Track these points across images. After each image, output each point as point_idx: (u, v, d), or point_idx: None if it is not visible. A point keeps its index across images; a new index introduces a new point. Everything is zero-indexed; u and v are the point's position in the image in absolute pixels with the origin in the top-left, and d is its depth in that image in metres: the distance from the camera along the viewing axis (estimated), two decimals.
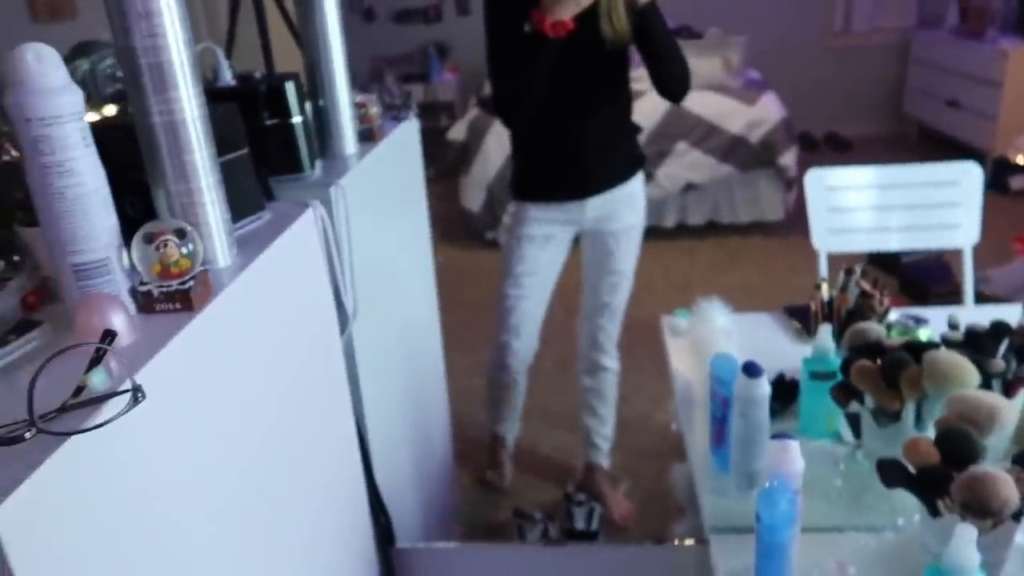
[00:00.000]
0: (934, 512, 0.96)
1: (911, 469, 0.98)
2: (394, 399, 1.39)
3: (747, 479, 1.19)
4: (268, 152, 1.04)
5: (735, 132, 4.07)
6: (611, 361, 2.22)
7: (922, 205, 2.21)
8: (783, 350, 1.62)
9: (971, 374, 1.06)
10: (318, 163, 1.14)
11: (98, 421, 0.51)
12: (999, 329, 1.21)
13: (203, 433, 0.68)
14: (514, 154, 2.03)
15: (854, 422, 1.30)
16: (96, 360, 0.53)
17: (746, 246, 4.13)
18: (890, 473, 0.99)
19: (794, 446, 0.97)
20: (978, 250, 2.16)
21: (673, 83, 1.82)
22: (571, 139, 1.89)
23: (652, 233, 4.17)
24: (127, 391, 0.53)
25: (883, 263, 3.35)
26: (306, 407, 0.94)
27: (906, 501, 1.10)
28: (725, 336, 1.67)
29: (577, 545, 1.37)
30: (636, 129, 2.03)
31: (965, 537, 0.82)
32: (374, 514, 1.17)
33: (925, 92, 5.33)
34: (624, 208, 2.00)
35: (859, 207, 2.22)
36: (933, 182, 2.21)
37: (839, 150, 5.48)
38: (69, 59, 1.11)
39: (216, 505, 0.71)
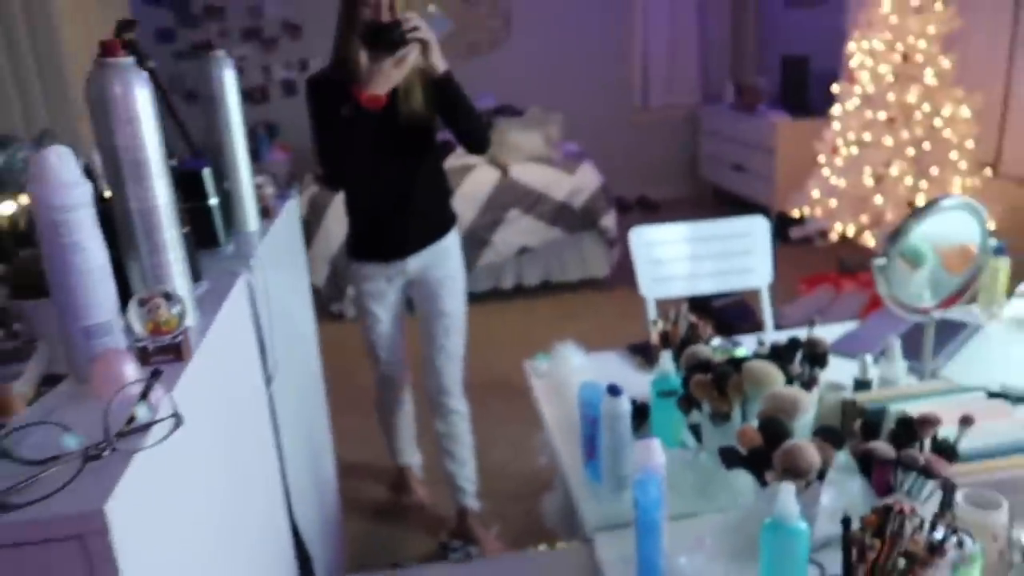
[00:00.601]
0: (763, 483, 1.23)
1: (743, 452, 1.25)
2: (301, 452, 1.50)
3: (618, 482, 1.42)
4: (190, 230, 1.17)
5: (560, 199, 4.49)
6: (458, 403, 2.41)
7: (725, 254, 2.63)
8: (631, 380, 1.87)
9: (777, 376, 1.37)
10: (230, 239, 1.27)
11: (152, 440, 0.65)
12: (794, 343, 1.55)
13: (203, 453, 0.81)
14: (348, 223, 2.29)
15: (695, 431, 1.58)
16: (143, 395, 0.66)
17: (578, 301, 4.51)
18: (729, 457, 1.25)
19: (656, 442, 1.21)
20: (774, 292, 2.59)
21: (474, 139, 2.14)
22: (388, 207, 2.17)
23: (492, 295, 4.50)
24: (170, 417, 0.67)
25: (699, 307, 3.81)
26: (249, 449, 1.06)
27: (742, 485, 1.38)
28: (581, 373, 1.92)
29: (484, 559, 1.52)
30: (447, 192, 2.33)
31: (787, 491, 1.09)
32: (297, 553, 1.28)
33: (715, 158, 6.11)
34: (441, 259, 2.28)
35: (675, 258, 2.59)
36: (731, 234, 2.63)
37: (649, 211, 6.11)
38: None
39: (215, 501, 0.85)
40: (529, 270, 4.61)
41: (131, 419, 0.65)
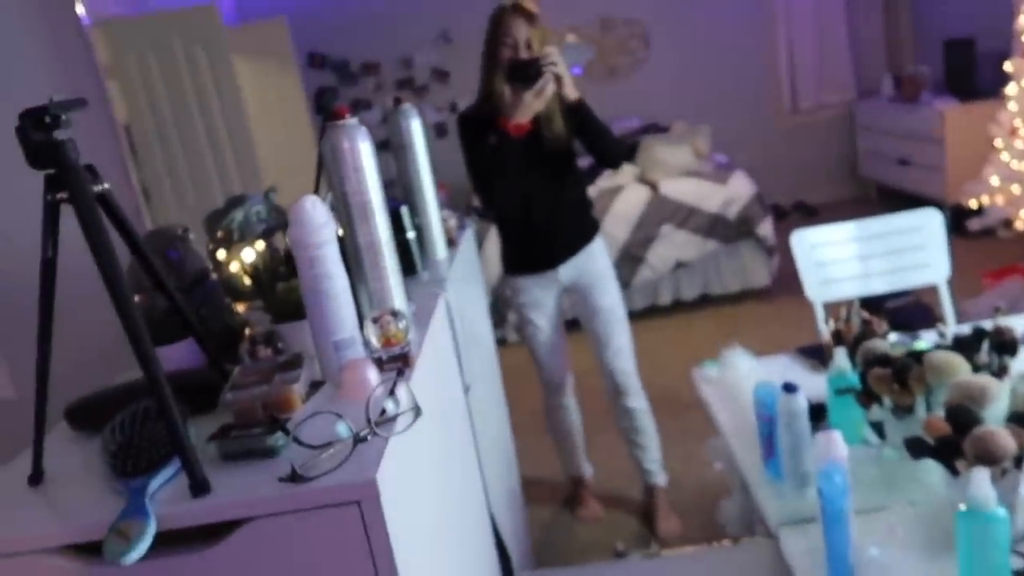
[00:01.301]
0: (955, 472, 1.22)
1: (931, 442, 1.24)
2: (494, 457, 1.64)
3: (800, 479, 1.44)
4: None
5: (713, 211, 4.46)
6: (638, 401, 2.56)
7: (896, 250, 2.54)
8: (804, 382, 1.87)
9: (963, 365, 1.35)
10: (425, 267, 1.44)
11: (401, 428, 0.79)
12: (979, 333, 1.51)
13: (431, 445, 0.95)
14: (500, 241, 2.50)
15: (877, 427, 1.57)
16: (391, 392, 0.80)
17: (740, 313, 4.44)
18: (916, 447, 1.25)
19: (837, 434, 1.23)
20: (953, 288, 2.48)
21: (609, 157, 2.34)
22: (536, 224, 2.37)
23: (650, 312, 4.53)
24: (411, 410, 0.81)
25: (871, 310, 3.66)
26: (458, 448, 1.20)
27: (931, 478, 1.36)
28: (751, 377, 1.94)
29: (670, 553, 1.58)
30: (589, 204, 2.50)
31: (981, 476, 1.08)
32: (497, 547, 1.40)
33: (876, 155, 5.83)
34: (589, 264, 2.44)
35: (842, 259, 2.54)
36: (902, 229, 2.55)
37: (808, 216, 5.91)
38: (225, 211, 1.41)
39: (440, 485, 1.00)
40: (686, 285, 4.60)
41: (383, 411, 0.80)
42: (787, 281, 3.89)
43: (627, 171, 4.67)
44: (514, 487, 2.09)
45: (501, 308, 4.60)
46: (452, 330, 1.30)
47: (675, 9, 5.97)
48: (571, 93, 2.18)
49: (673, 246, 4.47)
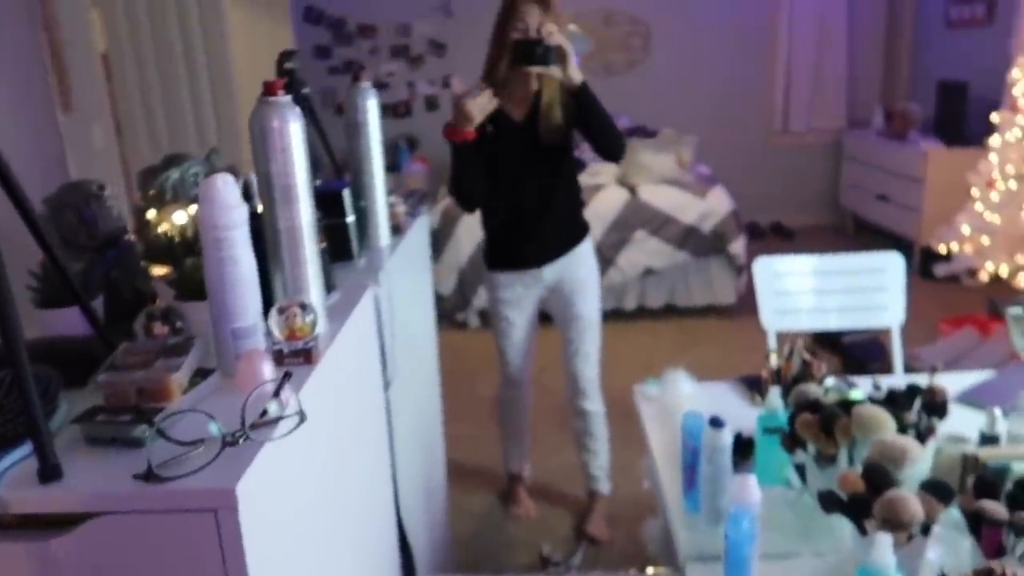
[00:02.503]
0: (863, 531, 1.21)
1: (844, 497, 1.23)
2: (413, 454, 1.60)
3: (715, 514, 1.43)
4: (327, 244, 1.29)
5: (689, 222, 4.45)
6: (594, 404, 2.52)
7: (855, 289, 2.53)
8: (740, 413, 1.87)
9: (888, 423, 1.34)
10: (363, 253, 1.40)
11: (280, 433, 0.75)
12: (913, 390, 1.50)
13: (323, 448, 0.91)
14: (484, 234, 2.41)
15: (801, 470, 1.56)
16: (275, 393, 0.76)
17: (702, 326, 4.44)
18: (828, 501, 1.24)
19: (752, 479, 1.22)
20: (909, 330, 2.47)
21: (612, 148, 2.19)
22: (524, 220, 2.27)
23: (614, 315, 4.51)
24: (295, 414, 0.77)
25: (826, 342, 3.68)
26: (363, 448, 1.16)
27: (843, 531, 1.35)
28: (690, 401, 1.93)
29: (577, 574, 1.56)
30: (581, 204, 2.41)
31: (883, 542, 1.07)
32: (401, 548, 1.37)
33: (858, 187, 5.84)
34: (575, 267, 2.36)
35: (801, 291, 2.53)
36: (864, 269, 2.54)
37: (784, 238, 5.92)
38: (161, 168, 1.36)
39: (328, 492, 0.96)
40: (653, 292, 4.59)
41: (264, 412, 0.76)
42: (753, 301, 3.89)
43: (608, 171, 4.63)
44: (436, 484, 2.05)
45: (465, 291, 4.56)
46: (379, 323, 1.26)
47: (681, 13, 5.92)
48: (575, 75, 2.05)
49: (644, 252, 4.45)
